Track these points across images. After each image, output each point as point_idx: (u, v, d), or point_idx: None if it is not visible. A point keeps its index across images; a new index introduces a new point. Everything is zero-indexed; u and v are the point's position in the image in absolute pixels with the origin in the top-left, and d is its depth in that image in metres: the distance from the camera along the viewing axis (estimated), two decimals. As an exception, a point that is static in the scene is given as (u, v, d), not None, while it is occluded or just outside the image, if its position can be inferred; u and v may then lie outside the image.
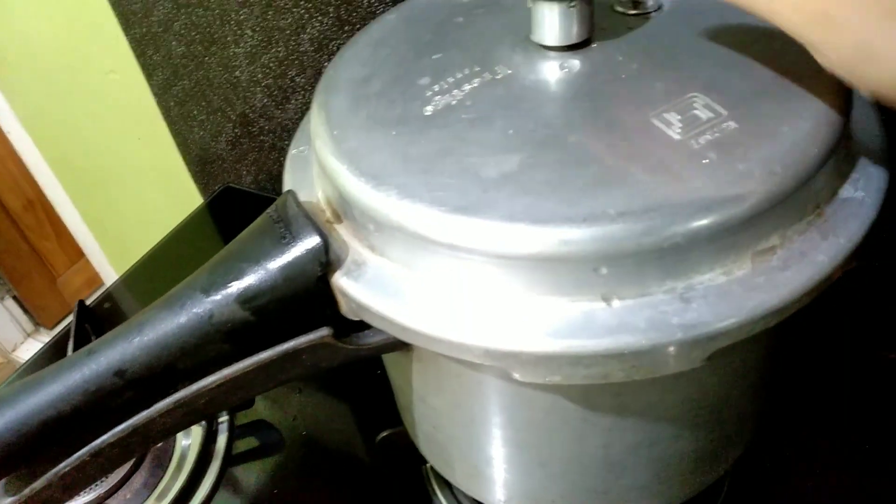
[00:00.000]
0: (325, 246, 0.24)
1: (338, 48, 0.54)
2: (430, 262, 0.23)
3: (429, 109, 0.25)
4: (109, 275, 1.17)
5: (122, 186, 0.92)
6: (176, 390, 0.25)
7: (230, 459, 0.47)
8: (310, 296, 0.24)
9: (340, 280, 0.24)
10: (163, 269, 0.66)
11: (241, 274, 0.24)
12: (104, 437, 0.25)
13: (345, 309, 0.25)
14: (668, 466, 0.29)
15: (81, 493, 0.44)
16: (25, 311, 1.70)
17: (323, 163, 0.25)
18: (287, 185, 0.28)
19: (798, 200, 0.22)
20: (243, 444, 0.48)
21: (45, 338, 1.72)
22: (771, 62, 0.25)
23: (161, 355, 0.24)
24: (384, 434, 0.44)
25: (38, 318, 1.73)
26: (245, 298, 0.24)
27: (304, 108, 0.61)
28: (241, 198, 0.73)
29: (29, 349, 1.70)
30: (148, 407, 0.25)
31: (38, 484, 0.25)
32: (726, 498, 0.40)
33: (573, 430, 0.27)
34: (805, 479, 0.41)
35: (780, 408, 0.43)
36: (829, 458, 0.41)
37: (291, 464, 0.47)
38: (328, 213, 0.26)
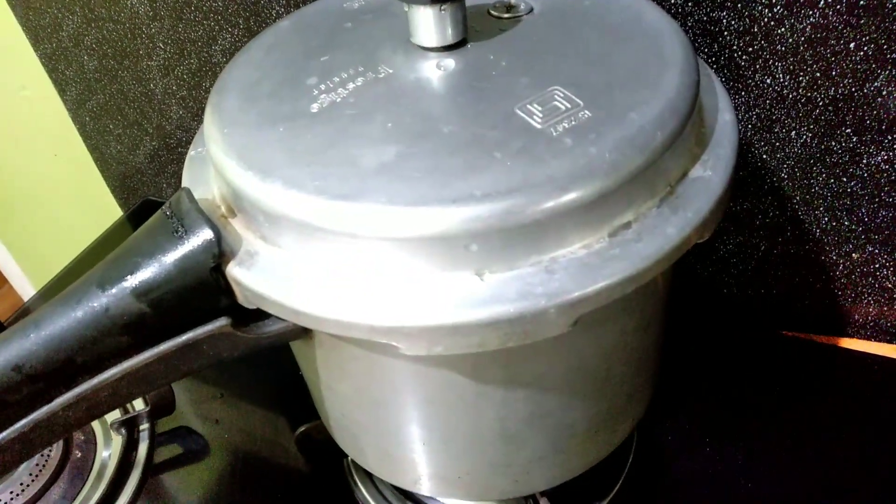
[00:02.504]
0: (218, 238, 0.25)
1: (250, 58, 0.55)
2: (317, 248, 0.24)
3: (315, 107, 0.27)
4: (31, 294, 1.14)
5: (41, 206, 0.90)
6: (75, 384, 0.26)
7: (152, 468, 0.47)
8: (205, 287, 0.25)
9: (234, 270, 0.25)
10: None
11: (136, 268, 0.25)
12: (3, 433, 0.25)
13: (241, 298, 0.26)
14: (563, 437, 0.31)
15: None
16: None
17: (215, 160, 0.27)
18: (185, 183, 0.29)
19: (648, 179, 0.24)
20: (167, 452, 0.49)
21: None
22: (626, 58, 0.27)
23: (59, 349, 0.25)
24: (302, 429, 0.45)
25: (-41, 349, 1.66)
26: (140, 291, 0.25)
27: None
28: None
29: (-51, 381, 1.62)
30: (49, 402, 0.26)
31: (-62, 484, 0.25)
32: (629, 473, 0.42)
33: (468, 406, 0.28)
34: (705, 451, 0.43)
35: (680, 384, 0.46)
36: (728, 431, 0.44)
37: (216, 468, 0.47)
38: (223, 209, 0.27)
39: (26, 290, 1.13)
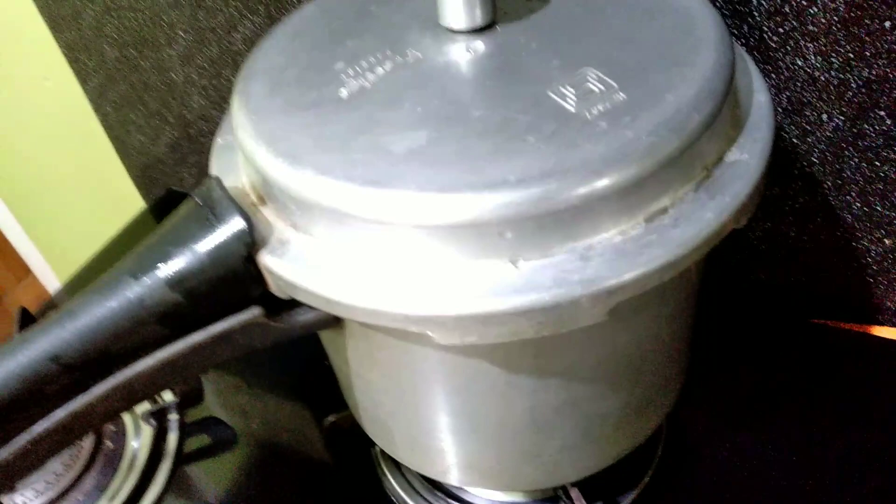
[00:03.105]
0: (250, 226, 0.25)
1: (271, 46, 0.55)
2: (349, 236, 0.24)
3: (343, 92, 0.26)
4: (58, 287, 1.15)
5: (64, 197, 0.91)
6: (111, 374, 0.26)
7: (182, 458, 0.47)
8: (238, 276, 0.25)
9: (266, 259, 0.25)
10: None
11: (169, 257, 0.25)
12: (44, 423, 0.25)
13: (273, 287, 0.26)
14: (595, 426, 0.31)
15: (34, 493, 0.44)
16: (-29, 331, 1.65)
17: (243, 147, 0.26)
18: (213, 171, 0.29)
19: (685, 163, 0.23)
20: (196, 442, 0.49)
21: (-8, 358, 1.67)
22: (658, 37, 0.26)
23: (95, 339, 0.25)
24: (331, 419, 0.45)
25: (-15, 339, 1.68)
26: (174, 281, 0.25)
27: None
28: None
29: (-24, 370, 1.65)
30: (85, 391, 0.26)
31: (-23, 473, 0.25)
32: (659, 463, 0.42)
33: (499, 395, 0.28)
34: (734, 441, 0.43)
35: (708, 374, 0.45)
36: (758, 421, 0.44)
37: (244, 458, 0.47)
38: (253, 197, 0.27)
39: (50, 280, 1.15)
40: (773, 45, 0.39)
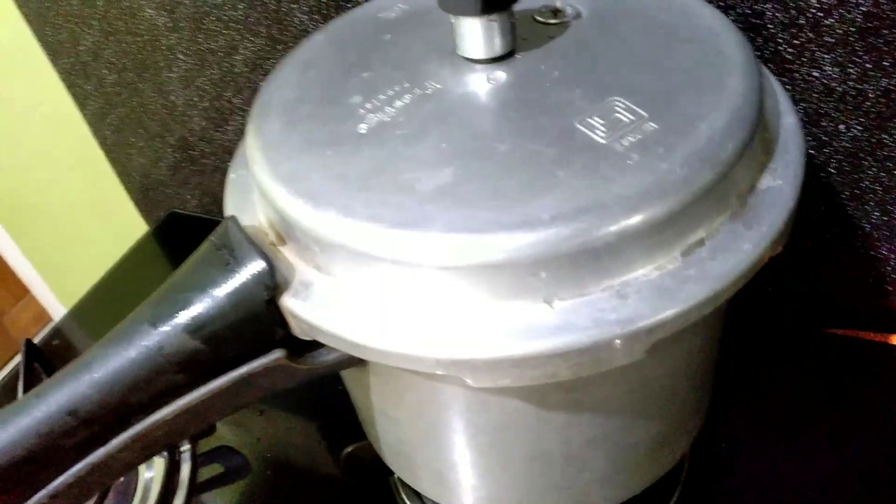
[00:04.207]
0: (271, 269, 0.24)
1: (271, 68, 0.54)
2: (376, 278, 0.23)
3: (362, 128, 0.26)
4: (57, 310, 1.14)
5: (63, 219, 0.90)
6: (130, 424, 0.25)
7: (195, 488, 0.46)
8: (259, 319, 0.25)
9: (289, 302, 0.24)
10: (111, 301, 0.65)
11: (188, 304, 0.24)
12: (62, 477, 0.25)
13: (296, 330, 0.25)
14: (625, 457, 0.30)
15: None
16: (-30, 353, 1.64)
17: (262, 186, 0.26)
18: (228, 210, 0.29)
19: (720, 193, 0.23)
20: (208, 472, 0.48)
21: (-7, 380, 1.66)
22: (684, 62, 0.26)
23: (113, 391, 0.24)
24: (349, 450, 0.44)
25: (-15, 360, 1.67)
26: (194, 328, 0.24)
27: (244, 129, 0.61)
28: (187, 223, 0.72)
29: (-23, 393, 1.64)
30: (105, 443, 0.25)
31: (-4, 533, 0.24)
32: (686, 483, 0.41)
33: (530, 430, 0.27)
34: (759, 458, 0.42)
35: (729, 389, 0.44)
36: (779, 435, 0.43)
37: (259, 487, 0.46)
38: (272, 236, 0.26)
39: (49, 300, 1.14)
40: (789, 57, 0.39)
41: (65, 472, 0.25)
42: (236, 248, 0.25)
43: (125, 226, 0.83)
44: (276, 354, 0.25)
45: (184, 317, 0.24)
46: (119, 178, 0.75)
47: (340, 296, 0.24)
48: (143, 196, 0.76)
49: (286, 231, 0.25)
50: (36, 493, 0.25)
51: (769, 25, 0.38)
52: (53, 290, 1.11)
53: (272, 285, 0.24)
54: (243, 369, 0.25)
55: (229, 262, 0.24)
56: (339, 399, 0.47)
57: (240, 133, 0.62)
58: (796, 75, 0.39)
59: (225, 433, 0.49)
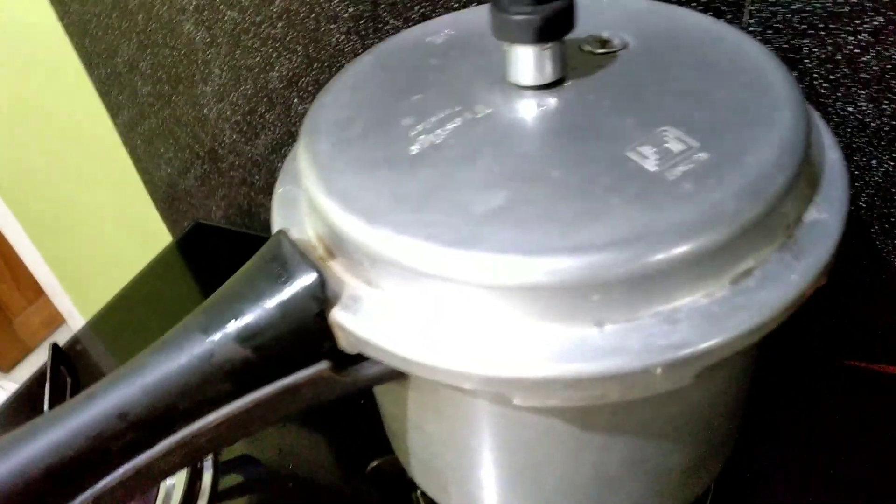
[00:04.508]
0: (322, 282, 0.24)
1: (307, 85, 0.56)
2: (427, 295, 0.23)
3: (414, 149, 0.26)
4: (72, 314, 1.15)
5: (86, 226, 0.91)
6: (176, 430, 0.25)
7: (216, 497, 0.47)
8: (308, 331, 0.25)
9: (338, 315, 0.25)
10: (133, 311, 0.66)
11: (239, 313, 0.25)
12: (107, 480, 0.25)
13: (343, 343, 0.25)
14: (660, 481, 0.30)
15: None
16: (-20, 355, 1.65)
17: (314, 202, 0.26)
18: (276, 224, 0.29)
19: (769, 225, 0.23)
20: (229, 481, 0.48)
21: (2, 381, 1.67)
22: (732, 95, 0.26)
23: (163, 396, 0.24)
24: (374, 464, 0.44)
25: (-5, 362, 1.68)
26: (244, 337, 0.25)
27: (275, 144, 0.62)
28: (211, 234, 0.73)
29: (-14, 394, 1.64)
30: (149, 448, 0.25)
31: (41, 533, 0.25)
32: (708, 508, 0.41)
33: (568, 451, 0.28)
34: (782, 487, 0.42)
35: (753, 419, 0.45)
36: (802, 465, 0.43)
37: (279, 498, 0.47)
38: (320, 251, 0.27)
39: (65, 305, 1.14)
40: (824, 92, 0.39)
41: (109, 475, 0.25)
42: (288, 260, 0.25)
43: (148, 235, 0.84)
44: (321, 366, 0.26)
45: (234, 326, 0.25)
46: (146, 188, 0.76)
47: (390, 310, 0.24)
48: (168, 206, 0.77)
49: (337, 246, 0.26)
50: (80, 494, 0.25)
51: (805, 61, 0.39)
52: (70, 295, 1.12)
53: (322, 298, 0.25)
54: (289, 380, 0.26)
55: (281, 275, 0.25)
56: (362, 414, 0.48)
57: (270, 147, 0.62)
58: (830, 110, 0.40)
59: (247, 443, 0.50)
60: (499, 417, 0.27)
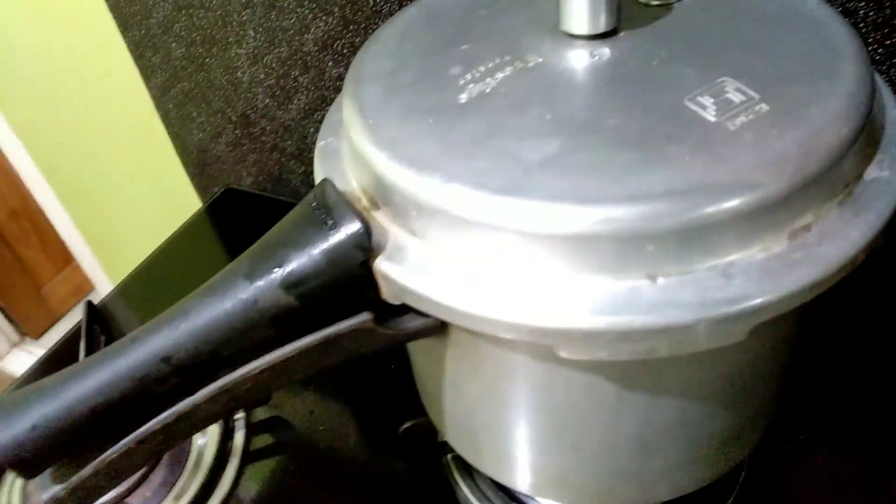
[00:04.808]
0: (367, 231, 0.24)
1: (342, 48, 0.55)
2: (474, 245, 0.23)
3: (463, 97, 0.26)
4: (101, 280, 1.16)
5: (117, 191, 0.91)
6: (218, 376, 0.25)
7: (248, 457, 0.47)
8: (352, 281, 0.25)
9: (382, 265, 0.24)
10: (162, 275, 0.66)
11: (285, 260, 0.24)
12: (149, 424, 0.25)
13: (386, 293, 0.25)
14: (699, 446, 0.30)
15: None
16: (10, 320, 1.68)
17: (360, 151, 0.26)
18: (319, 174, 0.29)
19: (831, 179, 0.22)
20: (261, 442, 0.49)
21: (31, 347, 1.70)
22: (794, 48, 0.25)
23: (207, 341, 0.24)
24: (406, 426, 0.44)
25: (24, 328, 1.71)
26: (289, 284, 0.24)
27: (307, 109, 0.62)
28: (241, 200, 0.73)
29: (14, 359, 1.68)
30: (191, 393, 0.25)
31: (86, 472, 0.25)
32: (745, 480, 0.41)
33: (609, 411, 0.27)
34: (821, 463, 0.42)
35: (796, 392, 0.44)
36: (842, 442, 0.42)
37: (310, 460, 0.47)
38: (364, 201, 0.26)
39: (95, 271, 1.16)
40: (878, 58, 0.38)
41: (151, 419, 0.25)
42: (334, 209, 0.25)
43: (177, 200, 0.84)
44: (364, 317, 0.25)
45: (280, 273, 0.24)
46: (177, 153, 0.76)
47: (435, 260, 0.24)
48: (199, 171, 0.77)
49: (382, 196, 0.25)
50: (124, 437, 0.25)
51: (861, 24, 0.37)
52: (100, 261, 1.13)
53: (367, 247, 0.24)
54: (331, 329, 0.25)
55: (327, 222, 0.25)
56: (394, 377, 0.48)
57: (302, 112, 0.62)
58: (884, 77, 0.39)
59: (279, 404, 0.50)
60: (540, 374, 0.27)
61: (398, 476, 0.45)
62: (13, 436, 0.24)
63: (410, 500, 0.43)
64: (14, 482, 0.48)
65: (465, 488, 0.42)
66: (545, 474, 0.32)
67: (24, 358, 1.68)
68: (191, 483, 0.45)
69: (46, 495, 0.25)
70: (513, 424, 0.30)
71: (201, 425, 0.27)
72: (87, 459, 0.25)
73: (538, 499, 0.41)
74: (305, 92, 0.60)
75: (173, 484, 0.45)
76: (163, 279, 0.66)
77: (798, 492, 0.40)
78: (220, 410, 0.26)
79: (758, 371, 0.28)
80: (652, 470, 0.30)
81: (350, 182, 0.28)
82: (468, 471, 0.43)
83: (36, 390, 0.24)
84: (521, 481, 0.33)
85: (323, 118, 0.31)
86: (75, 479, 0.25)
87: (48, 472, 0.25)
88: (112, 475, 0.26)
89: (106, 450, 0.25)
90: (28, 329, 1.71)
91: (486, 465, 0.35)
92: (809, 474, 0.41)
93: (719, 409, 0.28)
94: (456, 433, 0.35)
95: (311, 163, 0.66)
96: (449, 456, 0.44)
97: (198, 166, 0.76)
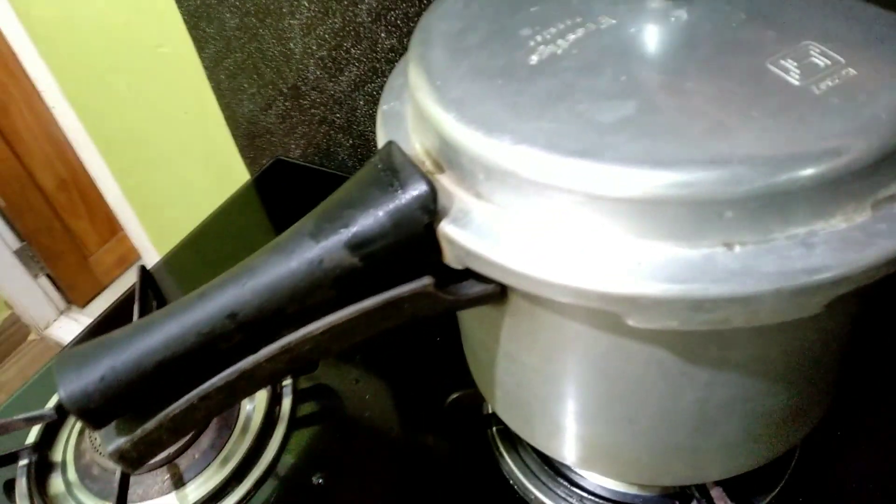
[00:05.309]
0: (433, 193, 0.24)
1: (396, 19, 0.55)
2: (544, 209, 0.23)
3: (533, 59, 0.25)
4: (148, 250, 1.18)
5: (166, 161, 0.93)
6: (280, 335, 0.26)
7: (295, 424, 0.48)
8: (416, 243, 0.25)
9: (447, 228, 0.24)
10: (209, 246, 0.67)
11: (350, 220, 0.24)
12: (213, 380, 0.25)
13: (449, 257, 0.25)
14: (757, 424, 0.29)
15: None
16: (58, 289, 1.73)
17: (426, 113, 0.26)
18: (382, 138, 0.29)
19: (920, 148, 0.21)
20: (306, 408, 0.49)
21: (77, 315, 1.75)
22: (879, 14, 0.24)
23: (272, 299, 0.24)
24: (453, 397, 0.44)
25: (71, 297, 1.76)
26: (354, 244, 0.24)
27: (358, 81, 0.61)
28: (289, 172, 0.74)
29: (61, 326, 1.72)
30: (254, 351, 0.25)
31: (150, 425, 0.25)
32: (796, 464, 0.40)
33: (670, 384, 0.27)
34: (875, 450, 0.40)
35: (858, 376, 0.43)
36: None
37: (353, 427, 0.47)
38: (428, 164, 0.26)
39: (142, 240, 1.18)
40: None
41: (216, 375, 0.26)
42: (400, 170, 0.25)
43: (226, 171, 0.85)
44: (425, 281, 0.25)
45: (345, 233, 0.24)
46: (227, 123, 0.77)
47: (502, 224, 0.24)
48: (248, 143, 0.77)
49: (448, 158, 0.25)
50: (187, 392, 0.25)
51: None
52: (147, 231, 1.15)
53: (433, 209, 0.24)
54: (393, 292, 0.25)
55: (393, 184, 0.24)
56: (441, 349, 0.48)
57: (353, 85, 0.62)
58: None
59: (325, 373, 0.50)
60: (600, 344, 0.26)
61: (442, 447, 0.45)
62: (83, 386, 0.24)
63: (454, 471, 0.44)
64: (69, 440, 0.49)
65: (509, 461, 0.42)
66: (597, 447, 0.32)
67: (70, 325, 1.72)
68: (238, 447, 0.46)
69: (112, 447, 0.26)
70: (568, 395, 0.30)
71: (263, 384, 0.27)
72: (152, 413, 0.25)
73: (584, 474, 0.41)
74: (357, 64, 0.60)
75: (221, 447, 0.46)
76: (210, 250, 0.67)
77: (850, 479, 0.39)
78: (280, 370, 0.27)
79: (826, 349, 0.27)
80: (708, 447, 0.30)
81: (414, 145, 0.27)
82: (513, 444, 0.43)
83: (105, 343, 0.25)
84: (571, 454, 0.33)
85: (373, 91, 0.31)
86: (139, 431, 0.25)
87: (113, 424, 0.26)
88: (174, 430, 0.26)
89: (170, 404, 0.25)
90: (74, 297, 1.75)
91: (536, 437, 0.35)
92: (862, 462, 0.40)
93: (782, 386, 0.28)
94: (507, 404, 0.35)
95: (359, 136, 0.66)
96: (494, 429, 0.44)
97: (247, 138, 0.77)
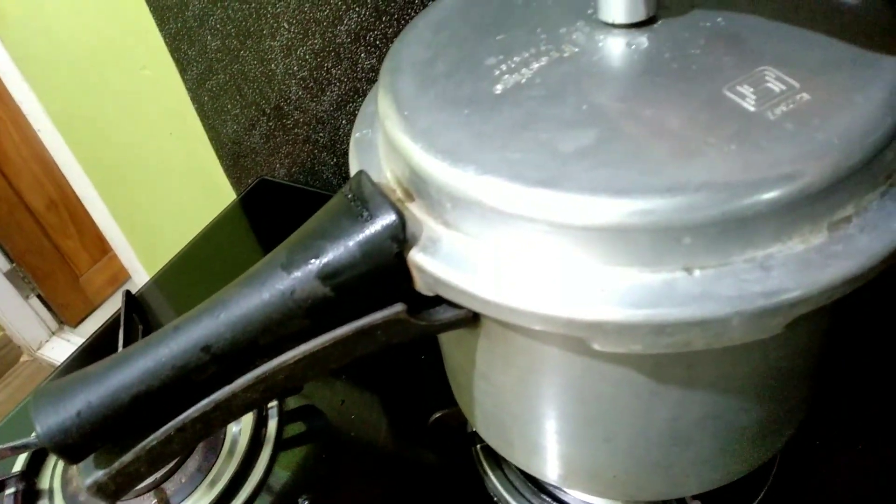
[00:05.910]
0: (402, 222, 0.24)
1: (375, 39, 0.55)
2: (507, 236, 0.23)
3: (498, 88, 0.26)
4: (137, 270, 1.18)
5: (153, 182, 0.93)
6: (255, 366, 0.26)
7: (280, 445, 0.48)
8: (386, 272, 0.25)
9: (416, 256, 0.25)
10: (198, 265, 0.67)
11: (321, 251, 0.25)
12: (188, 411, 0.26)
13: (420, 285, 0.25)
14: (731, 440, 0.30)
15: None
16: (50, 309, 1.72)
17: (395, 143, 0.26)
18: (355, 166, 0.29)
19: (873, 170, 0.22)
20: (292, 429, 0.49)
21: (69, 335, 1.74)
22: (836, 36, 0.25)
23: (245, 330, 0.25)
24: (436, 416, 0.44)
25: (62, 316, 1.75)
26: (325, 274, 0.25)
27: (340, 100, 0.62)
28: (274, 191, 0.74)
29: (54, 347, 1.72)
30: (229, 382, 0.26)
31: (127, 458, 0.25)
32: (775, 475, 0.40)
33: (642, 403, 0.27)
34: (854, 459, 0.41)
35: (831, 387, 0.43)
36: (877, 439, 0.42)
37: (340, 447, 0.47)
38: (399, 193, 0.27)
39: (131, 261, 1.18)
40: (923, 45, 0.37)
41: (191, 408, 0.26)
42: (369, 199, 0.25)
43: (212, 191, 0.86)
44: (397, 308, 0.26)
45: (316, 263, 0.25)
46: (211, 144, 0.78)
47: (470, 252, 0.24)
48: (233, 163, 0.78)
49: (417, 187, 0.25)
50: (164, 424, 0.26)
51: (905, 11, 0.36)
52: (136, 251, 1.15)
53: (402, 238, 0.24)
54: (365, 320, 0.26)
55: (362, 214, 0.25)
56: (424, 367, 0.48)
57: (335, 104, 0.62)
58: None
59: (311, 393, 0.51)
60: (572, 366, 0.27)
61: (427, 465, 0.45)
62: (59, 422, 0.24)
63: (439, 489, 0.44)
64: (56, 467, 0.49)
65: (494, 479, 0.42)
66: (576, 466, 0.32)
67: (62, 346, 1.72)
68: (225, 470, 0.46)
69: (89, 480, 0.26)
70: (544, 416, 0.30)
71: (238, 413, 0.27)
72: (129, 446, 0.26)
73: (568, 490, 0.41)
74: (338, 84, 0.61)
75: (208, 470, 0.46)
76: (198, 269, 0.67)
77: (830, 489, 0.40)
78: (256, 399, 0.27)
79: (793, 365, 0.28)
80: (684, 463, 0.30)
81: (385, 174, 0.28)
82: (497, 461, 0.43)
83: (81, 378, 0.25)
84: (552, 473, 0.33)
85: (355, 110, 0.32)
86: (117, 464, 0.25)
87: (91, 457, 0.26)
88: (152, 461, 0.26)
89: (146, 437, 0.26)
90: (66, 317, 1.75)
91: (517, 456, 0.35)
92: (842, 471, 0.40)
93: (753, 402, 0.28)
94: (486, 424, 0.35)
95: (343, 154, 0.67)
96: (478, 446, 0.44)
97: (232, 158, 0.77)
